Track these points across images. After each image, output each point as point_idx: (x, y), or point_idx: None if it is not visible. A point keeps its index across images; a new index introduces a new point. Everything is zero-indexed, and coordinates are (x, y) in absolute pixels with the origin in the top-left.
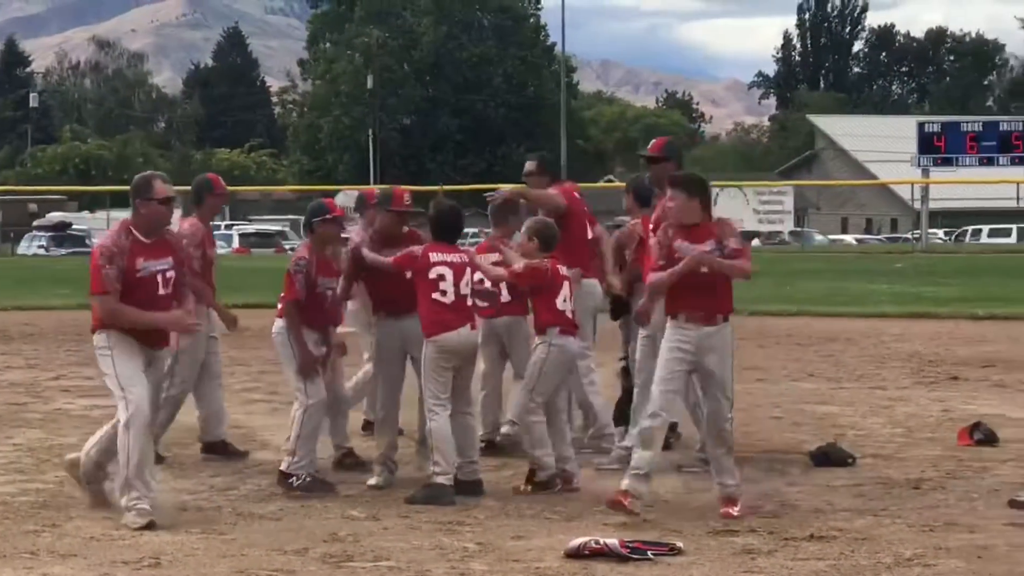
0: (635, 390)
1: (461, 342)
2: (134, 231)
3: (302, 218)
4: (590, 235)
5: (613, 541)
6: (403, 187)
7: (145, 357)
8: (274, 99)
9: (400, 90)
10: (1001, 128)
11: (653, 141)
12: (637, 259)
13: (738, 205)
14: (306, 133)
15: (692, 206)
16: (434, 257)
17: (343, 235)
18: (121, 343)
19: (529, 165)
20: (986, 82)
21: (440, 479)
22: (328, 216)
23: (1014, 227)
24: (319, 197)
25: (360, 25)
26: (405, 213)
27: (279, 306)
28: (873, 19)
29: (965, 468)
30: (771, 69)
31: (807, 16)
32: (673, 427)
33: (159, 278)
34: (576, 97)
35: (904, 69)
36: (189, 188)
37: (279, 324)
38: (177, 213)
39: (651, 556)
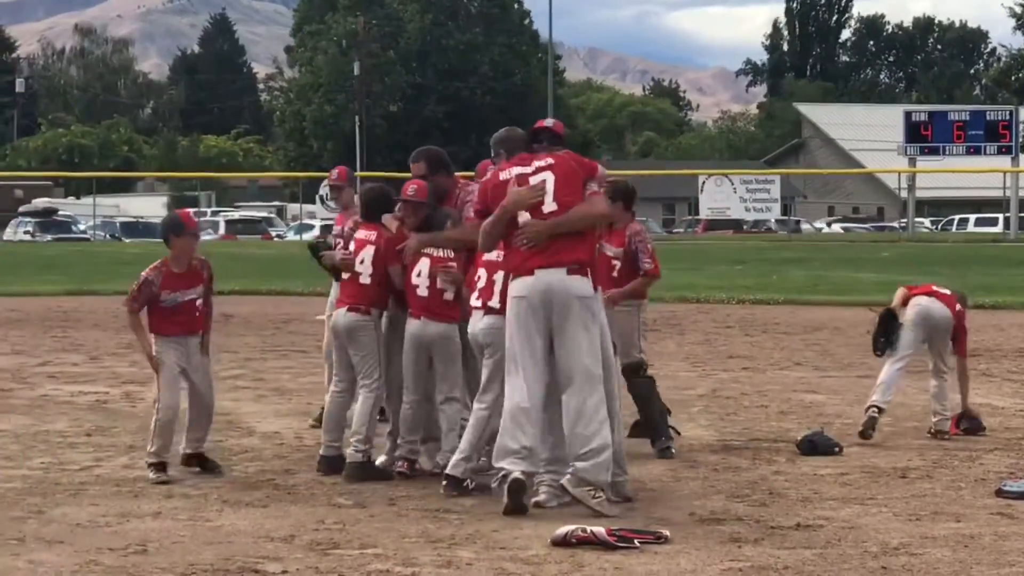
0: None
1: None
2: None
3: (288, 205)
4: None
5: (600, 529)
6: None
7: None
8: (260, 86)
9: (386, 77)
10: (988, 117)
11: None
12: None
13: (725, 193)
14: (291, 120)
15: None
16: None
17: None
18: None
19: (417, 167)
20: (973, 71)
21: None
22: (185, 231)
23: (1000, 216)
24: (303, 184)
25: (345, 12)
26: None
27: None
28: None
29: (951, 457)
30: (759, 57)
31: (795, 5)
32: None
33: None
34: (563, 85)
35: (891, 58)
36: (175, 175)
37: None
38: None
39: (638, 544)
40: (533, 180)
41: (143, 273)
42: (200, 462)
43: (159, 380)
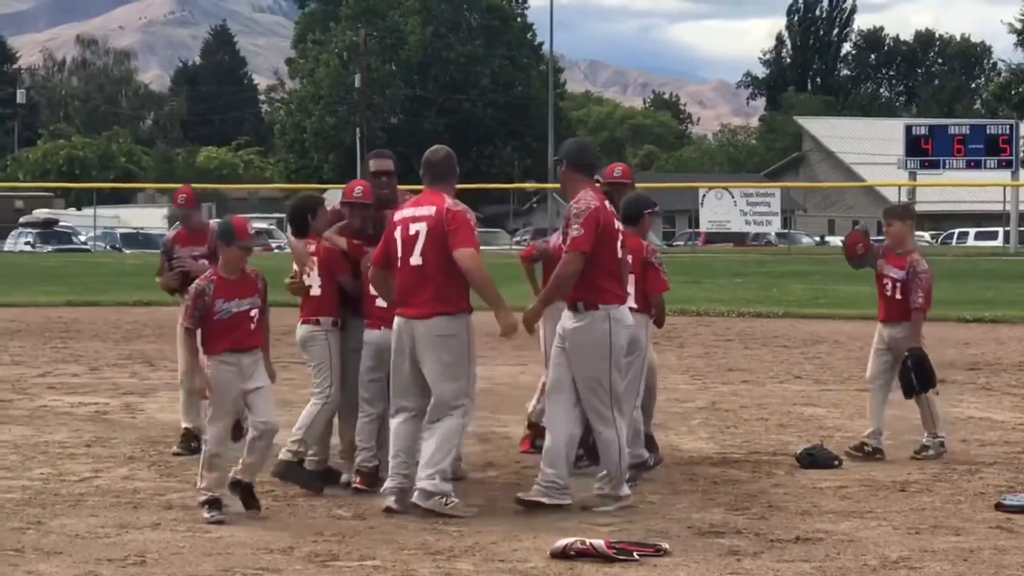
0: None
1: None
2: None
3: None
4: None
5: (599, 542)
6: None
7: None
8: (261, 97)
9: (387, 89)
10: (988, 131)
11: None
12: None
13: (725, 206)
14: (292, 132)
15: None
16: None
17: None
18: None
19: (381, 163)
20: (974, 85)
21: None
22: (235, 241)
23: (1000, 230)
24: (305, 195)
25: (346, 24)
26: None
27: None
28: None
29: (951, 471)
30: (759, 71)
31: (795, 18)
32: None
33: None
34: (564, 97)
35: (892, 72)
36: (169, 186)
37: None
38: (160, 211)
39: (637, 557)
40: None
41: (194, 284)
42: (244, 494)
43: (210, 407)
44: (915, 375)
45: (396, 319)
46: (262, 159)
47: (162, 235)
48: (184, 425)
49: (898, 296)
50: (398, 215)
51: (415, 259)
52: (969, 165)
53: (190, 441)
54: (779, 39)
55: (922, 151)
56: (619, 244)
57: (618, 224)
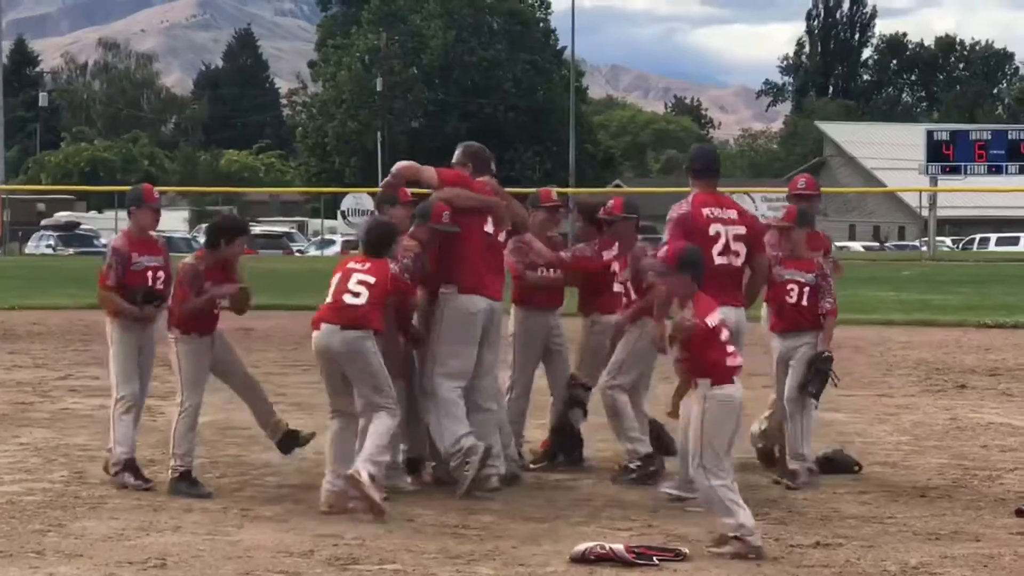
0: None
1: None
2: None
3: (309, 220)
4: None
5: (619, 546)
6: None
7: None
8: (283, 101)
9: (409, 93)
10: (1010, 136)
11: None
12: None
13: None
14: (313, 136)
15: None
16: None
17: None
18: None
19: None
20: (996, 90)
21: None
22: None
23: (1022, 235)
24: (325, 199)
25: (368, 28)
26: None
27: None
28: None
29: (971, 476)
30: (780, 76)
31: (816, 23)
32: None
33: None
34: (585, 102)
35: (913, 77)
36: (197, 190)
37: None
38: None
39: (656, 562)
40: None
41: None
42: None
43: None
44: (817, 382)
45: None
46: (283, 163)
47: (185, 238)
48: None
49: (804, 303)
50: None
51: None
52: (991, 170)
53: None
54: (799, 44)
55: (943, 156)
56: (721, 245)
57: (717, 228)
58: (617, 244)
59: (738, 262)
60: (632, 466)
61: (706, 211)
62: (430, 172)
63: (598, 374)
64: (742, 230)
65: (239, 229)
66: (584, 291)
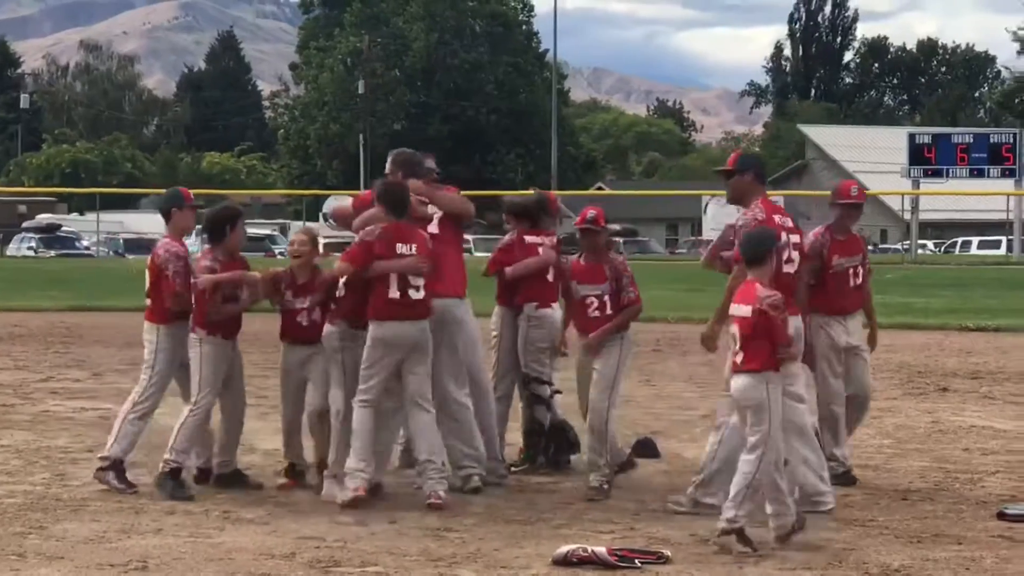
0: None
1: None
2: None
3: (292, 222)
4: None
5: (601, 549)
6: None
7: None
8: (265, 103)
9: (391, 96)
10: (991, 140)
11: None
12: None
13: (728, 214)
14: (295, 138)
15: None
16: None
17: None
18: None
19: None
20: (977, 94)
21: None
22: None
23: (1003, 239)
24: (307, 202)
25: (350, 31)
26: None
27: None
28: (866, 30)
29: (953, 479)
30: (763, 79)
31: (798, 26)
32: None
33: None
34: (567, 104)
35: (895, 80)
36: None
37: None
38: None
39: (639, 564)
40: None
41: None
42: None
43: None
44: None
45: None
46: (265, 165)
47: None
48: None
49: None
50: None
51: None
52: (972, 174)
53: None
54: (778, 47)
55: (925, 160)
56: (786, 253)
57: (784, 236)
58: (586, 255)
59: (792, 269)
60: (605, 486)
61: (777, 218)
62: (347, 208)
63: (535, 364)
64: (797, 238)
65: (237, 211)
66: (514, 283)
